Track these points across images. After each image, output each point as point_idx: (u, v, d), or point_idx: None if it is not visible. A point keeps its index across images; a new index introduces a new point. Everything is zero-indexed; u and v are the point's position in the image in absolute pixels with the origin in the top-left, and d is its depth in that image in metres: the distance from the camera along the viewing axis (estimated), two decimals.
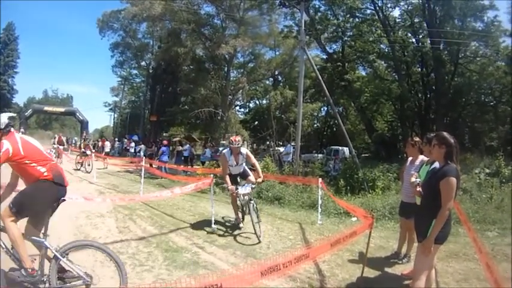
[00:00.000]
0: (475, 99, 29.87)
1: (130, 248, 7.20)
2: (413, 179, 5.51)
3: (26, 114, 47.23)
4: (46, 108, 51.65)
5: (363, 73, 36.63)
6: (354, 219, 9.97)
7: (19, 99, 65.02)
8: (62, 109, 53.40)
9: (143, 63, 48.67)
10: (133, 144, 29.93)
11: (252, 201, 8.20)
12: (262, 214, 10.01)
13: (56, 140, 26.81)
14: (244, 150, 9.04)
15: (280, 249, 7.55)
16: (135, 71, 53.87)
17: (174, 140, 32.65)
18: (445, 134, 4.47)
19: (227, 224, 9.31)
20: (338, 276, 6.01)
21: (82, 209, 9.83)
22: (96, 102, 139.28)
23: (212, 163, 19.71)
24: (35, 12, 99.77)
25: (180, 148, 23.48)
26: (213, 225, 8.72)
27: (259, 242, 7.72)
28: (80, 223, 8.89)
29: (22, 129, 35.24)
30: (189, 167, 20.85)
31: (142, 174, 14.74)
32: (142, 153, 25.53)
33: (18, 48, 58.50)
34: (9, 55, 56.40)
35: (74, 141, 46.72)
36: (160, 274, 5.94)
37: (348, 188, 14.11)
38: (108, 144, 33.83)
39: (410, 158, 6.58)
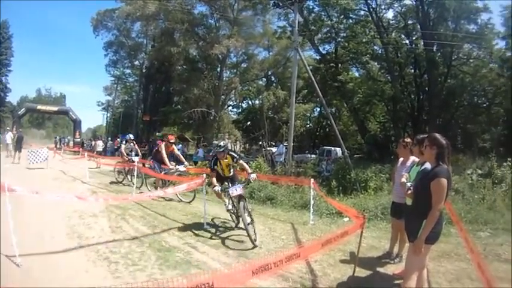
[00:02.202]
0: (467, 100, 30.06)
1: (123, 248, 7.19)
2: (403, 180, 5.56)
3: (19, 113, 47.10)
4: (39, 107, 51.46)
5: (356, 74, 36.78)
6: (346, 219, 9.99)
7: (12, 98, 65.00)
8: (55, 108, 53.16)
9: (136, 62, 48.79)
10: (124, 142, 29.91)
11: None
12: (255, 214, 9.92)
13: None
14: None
15: (273, 249, 7.54)
16: (128, 71, 54.00)
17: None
18: (436, 135, 4.50)
19: (219, 223, 9.32)
20: (330, 275, 6.03)
21: (74, 208, 9.84)
22: (89, 102, 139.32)
23: (204, 163, 19.75)
24: (29, 11, 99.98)
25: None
26: (205, 225, 8.78)
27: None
28: (73, 223, 8.84)
29: (15, 128, 35.05)
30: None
31: (135, 174, 14.73)
32: (133, 153, 25.58)
33: (12, 46, 58.36)
34: (2, 53, 56.20)
35: (67, 141, 46.68)
36: (153, 274, 5.93)
37: (340, 188, 14.13)
38: (100, 143, 33.67)
39: (401, 159, 6.62)
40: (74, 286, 3.43)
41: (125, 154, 16.36)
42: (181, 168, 11.87)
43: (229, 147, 9.00)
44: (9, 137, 26.34)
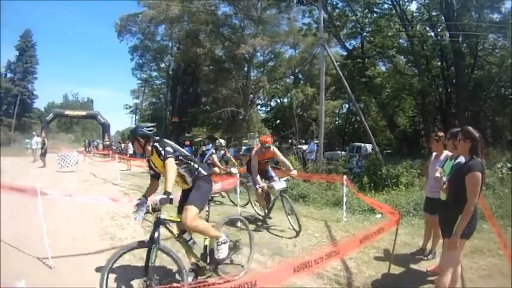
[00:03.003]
0: (495, 92, 29.34)
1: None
2: (437, 174, 5.58)
3: (47, 118, 47.59)
4: (67, 112, 52.11)
5: (383, 69, 36.32)
6: (378, 216, 10.04)
7: (39, 104, 66.25)
8: (83, 112, 53.86)
9: (163, 65, 48.96)
10: None
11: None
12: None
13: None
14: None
15: (307, 246, 7.55)
16: (155, 73, 54.33)
17: (196, 140, 32.76)
18: (469, 128, 4.49)
19: (253, 223, 9.28)
20: (365, 273, 6.00)
21: (107, 210, 10.01)
22: (117, 105, 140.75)
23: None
24: (52, 19, 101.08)
25: (204, 148, 23.60)
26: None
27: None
28: (105, 224, 9.01)
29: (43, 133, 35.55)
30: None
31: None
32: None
33: (36, 54, 59.60)
34: (27, 61, 57.55)
35: (96, 144, 47.24)
36: (190, 274, 5.86)
37: (372, 184, 14.05)
38: (130, 146, 33.85)
39: (434, 154, 6.55)
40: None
41: (220, 165, 12.44)
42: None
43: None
44: (35, 142, 26.75)
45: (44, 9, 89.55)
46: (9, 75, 58.70)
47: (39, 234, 5.99)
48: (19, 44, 57.99)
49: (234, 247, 5.93)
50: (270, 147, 8.97)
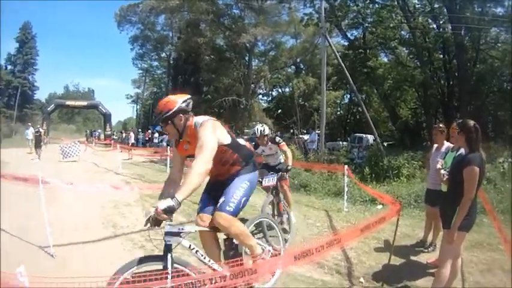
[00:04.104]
0: (497, 86, 29.19)
1: (159, 236, 7.21)
2: (438, 166, 5.52)
3: (49, 109, 47.57)
4: (68, 102, 52.30)
5: (385, 60, 36.16)
6: (379, 206, 10.11)
7: (41, 96, 66.42)
8: (84, 103, 53.85)
9: (163, 54, 49.03)
10: (156, 134, 30.28)
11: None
12: None
13: None
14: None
15: (307, 236, 7.62)
16: (155, 63, 54.40)
17: None
18: (466, 120, 4.49)
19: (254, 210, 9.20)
20: (365, 263, 6.04)
21: (109, 198, 9.94)
22: (118, 95, 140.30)
23: None
24: (52, 11, 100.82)
25: None
26: None
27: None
28: (108, 212, 9.00)
29: (45, 124, 35.55)
30: None
31: (168, 164, 14.81)
32: (165, 143, 25.78)
33: (36, 46, 59.74)
34: (27, 53, 57.79)
35: (97, 134, 47.31)
36: (192, 262, 5.90)
37: (373, 175, 14.15)
38: (132, 135, 34.00)
39: (435, 145, 6.54)
40: (109, 275, 3.43)
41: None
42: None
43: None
44: (30, 132, 26.64)
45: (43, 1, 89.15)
46: (9, 67, 58.91)
47: (41, 224, 6.03)
48: (19, 36, 58.17)
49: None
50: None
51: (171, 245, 3.75)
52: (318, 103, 27.86)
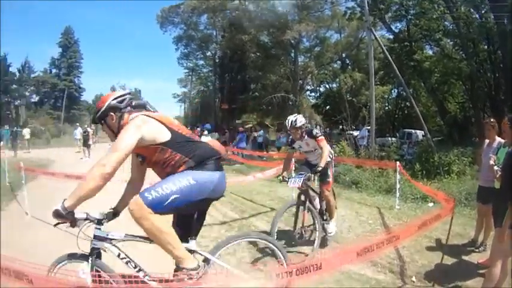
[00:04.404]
0: None
1: (213, 232, 7.56)
2: (491, 162, 5.47)
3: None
4: None
5: (430, 52, 35.45)
6: (430, 204, 10.05)
7: (87, 97, 68.05)
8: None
9: (208, 53, 48.94)
10: (206, 132, 30.77)
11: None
12: (341, 199, 10.16)
13: None
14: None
15: (360, 233, 7.71)
16: (201, 62, 54.36)
17: (247, 126, 33.10)
18: None
19: None
20: (417, 262, 6.05)
21: None
22: (163, 95, 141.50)
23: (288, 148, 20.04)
24: (93, 15, 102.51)
25: (255, 134, 23.88)
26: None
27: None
28: None
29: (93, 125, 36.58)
30: (265, 152, 21.28)
31: None
32: None
33: (80, 50, 61.36)
34: (71, 57, 59.40)
35: None
36: (243, 257, 6.12)
37: (423, 172, 13.91)
38: None
39: (487, 141, 6.38)
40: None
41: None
42: None
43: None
44: (78, 132, 27.90)
45: (83, 7, 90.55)
46: (54, 70, 60.72)
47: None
48: (61, 41, 59.79)
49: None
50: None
51: (97, 248, 3.59)
52: (366, 98, 27.72)
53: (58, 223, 3.36)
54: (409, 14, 30.29)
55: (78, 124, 31.40)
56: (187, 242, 3.68)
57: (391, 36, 34.36)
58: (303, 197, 6.45)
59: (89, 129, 26.37)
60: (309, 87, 45.21)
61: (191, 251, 3.64)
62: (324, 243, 6.70)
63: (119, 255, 3.59)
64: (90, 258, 3.50)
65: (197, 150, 3.61)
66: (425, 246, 6.74)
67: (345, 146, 17.38)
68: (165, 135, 3.54)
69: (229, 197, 10.83)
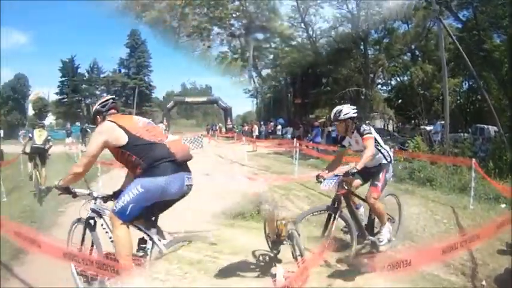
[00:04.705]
0: None
1: (290, 225, 7.75)
2: None
3: (168, 106, 50.41)
4: (187, 99, 54.66)
5: (498, 41, 33.84)
6: (503, 205, 9.82)
7: (158, 94, 69.52)
8: (203, 98, 55.96)
9: None
10: (279, 127, 31.08)
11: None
12: (415, 196, 10.28)
13: None
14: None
15: (435, 233, 7.68)
16: (271, 56, 54.63)
17: (320, 121, 33.13)
18: None
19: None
20: (489, 265, 5.97)
21: (234, 188, 10.38)
22: (234, 90, 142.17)
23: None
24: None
25: (330, 129, 23.86)
26: None
27: None
28: (237, 201, 9.41)
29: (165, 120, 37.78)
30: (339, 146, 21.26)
31: (297, 155, 15.08)
32: (289, 135, 26.35)
33: (148, 50, 62.83)
34: (140, 57, 60.82)
35: (217, 128, 49.09)
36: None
37: (496, 170, 13.39)
38: (256, 128, 35.33)
39: None
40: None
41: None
42: None
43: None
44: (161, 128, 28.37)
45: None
46: (123, 70, 62.70)
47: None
48: (128, 42, 61.42)
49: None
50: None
51: (92, 217, 4.47)
52: (438, 92, 27.03)
53: (61, 193, 4.47)
54: (475, 1, 28.99)
55: (151, 120, 32.40)
56: (149, 230, 4.25)
57: (459, 26, 32.94)
58: (336, 203, 5.50)
59: (161, 124, 27.24)
60: (380, 81, 44.41)
61: (151, 238, 4.19)
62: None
63: (102, 225, 4.41)
64: (84, 223, 4.50)
65: (150, 153, 4.01)
66: (497, 249, 6.52)
67: (420, 141, 17.10)
68: (123, 139, 4.06)
69: (306, 191, 10.88)
